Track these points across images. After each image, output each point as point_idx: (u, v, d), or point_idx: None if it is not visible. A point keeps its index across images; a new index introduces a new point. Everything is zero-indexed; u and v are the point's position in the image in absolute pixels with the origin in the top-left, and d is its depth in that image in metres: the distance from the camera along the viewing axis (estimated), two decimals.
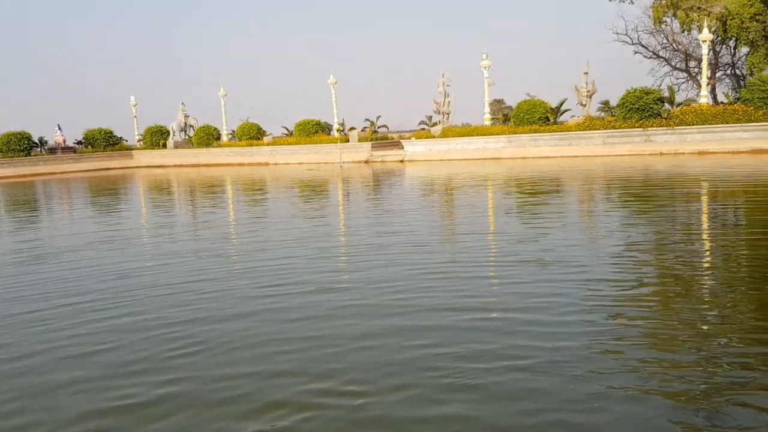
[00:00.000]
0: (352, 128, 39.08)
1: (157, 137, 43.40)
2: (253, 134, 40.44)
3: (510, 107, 40.05)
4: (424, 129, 37.31)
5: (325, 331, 5.15)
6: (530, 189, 16.29)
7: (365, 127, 39.52)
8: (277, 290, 6.42)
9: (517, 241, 8.73)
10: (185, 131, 42.84)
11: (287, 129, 41.53)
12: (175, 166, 39.61)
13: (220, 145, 40.53)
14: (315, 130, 38.44)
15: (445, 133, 33.34)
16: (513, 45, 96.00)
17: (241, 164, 37.30)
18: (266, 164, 36.12)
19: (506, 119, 35.16)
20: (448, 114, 35.26)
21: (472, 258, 7.71)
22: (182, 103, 42.59)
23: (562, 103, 32.11)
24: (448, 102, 35.22)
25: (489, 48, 45.70)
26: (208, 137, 41.34)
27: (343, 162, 33.62)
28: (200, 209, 15.52)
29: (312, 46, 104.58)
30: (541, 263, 7.24)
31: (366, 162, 33.20)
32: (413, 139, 34.38)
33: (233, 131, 42.48)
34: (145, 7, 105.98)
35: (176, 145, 41.94)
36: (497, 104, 49.45)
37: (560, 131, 29.78)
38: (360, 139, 35.96)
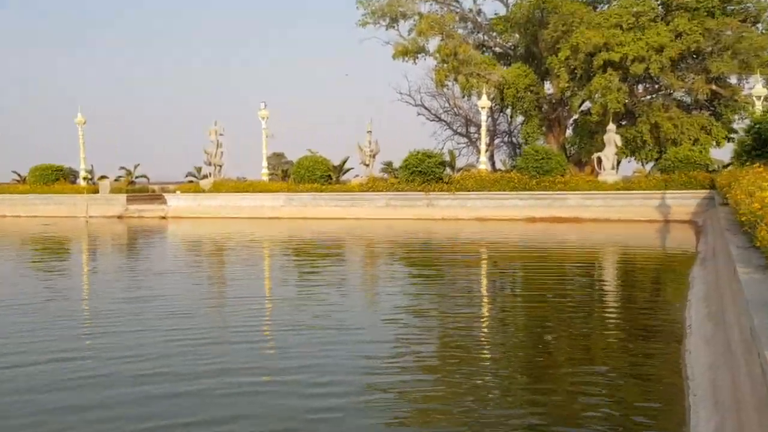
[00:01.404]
0: (103, 177, 36.53)
1: None
2: None
3: (291, 162, 41.30)
4: (192, 181, 36.74)
5: (51, 404, 4.94)
6: (308, 251, 17.06)
7: (120, 177, 37.30)
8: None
9: (289, 305, 9.15)
10: None
11: (19, 175, 38.03)
12: None
13: None
14: (56, 177, 35.09)
15: (217, 187, 33.12)
16: (295, 96, 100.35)
17: None
18: None
19: (286, 175, 36.16)
20: (220, 166, 35.06)
21: (239, 323, 7.84)
22: None
23: (344, 162, 34.18)
24: (221, 153, 35.10)
25: (269, 98, 47.19)
26: None
27: (90, 216, 31.05)
28: None
29: (54, 77, 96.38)
30: (314, 328, 7.70)
31: (120, 217, 31.57)
32: (178, 192, 33.65)
33: None
34: None
35: None
36: (277, 158, 50.68)
37: (343, 191, 31.53)
38: (113, 190, 33.91)
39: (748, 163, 14.96)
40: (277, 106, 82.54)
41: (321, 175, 32.52)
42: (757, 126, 16.65)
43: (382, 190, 30.76)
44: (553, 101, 38.44)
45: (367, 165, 33.25)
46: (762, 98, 30.11)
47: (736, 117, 34.65)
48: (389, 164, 33.36)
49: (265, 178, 35.48)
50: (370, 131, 33.61)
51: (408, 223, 27.40)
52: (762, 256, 6.14)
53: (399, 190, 30.44)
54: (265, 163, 36.20)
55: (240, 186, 33.39)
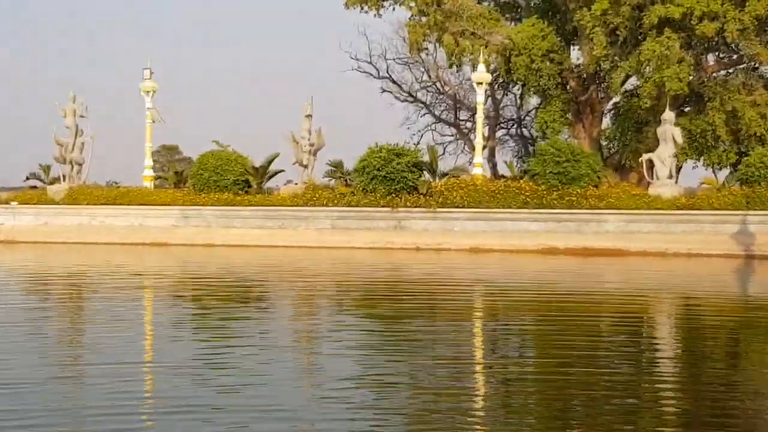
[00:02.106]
0: None
1: None
2: None
3: (189, 160, 41.10)
4: (35, 188, 36.12)
5: None
6: (213, 295, 16.90)
7: None
8: None
9: (180, 375, 9.12)
10: None
11: None
12: None
13: None
14: None
15: (75, 197, 32.62)
16: (197, 63, 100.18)
17: None
18: None
19: (181, 181, 35.75)
20: (80, 165, 34.50)
21: (98, 403, 7.75)
22: None
23: (271, 160, 34.05)
24: (82, 144, 34.54)
25: (158, 65, 46.40)
26: None
27: None
28: None
29: None
30: (218, 409, 7.67)
31: None
32: (14, 204, 33.15)
33: None
34: None
35: None
36: (168, 154, 50.40)
37: (268, 205, 31.42)
38: None
39: None
40: (169, 76, 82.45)
41: (235, 180, 32.31)
42: None
43: (326, 205, 30.74)
44: (584, 76, 39.08)
45: (305, 166, 33.18)
46: None
47: None
48: (338, 165, 33.35)
49: (149, 184, 35.17)
50: (310, 115, 33.63)
51: (365, 255, 27.36)
52: None
53: (353, 205, 30.44)
54: (149, 162, 35.85)
55: (111, 195, 33.02)
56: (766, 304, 16.27)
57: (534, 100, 43.39)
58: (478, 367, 10.39)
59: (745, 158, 30.81)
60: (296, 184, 33.69)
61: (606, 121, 41.40)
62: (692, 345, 12.22)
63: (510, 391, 9.03)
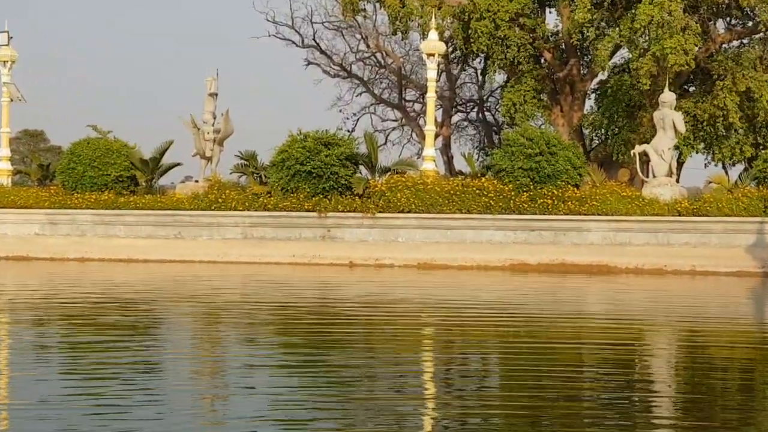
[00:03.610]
0: None
1: None
2: None
3: (58, 150, 40.50)
4: None
5: None
6: (91, 319, 16.77)
7: None
8: None
9: (41, 410, 9.17)
10: None
11: None
12: None
13: None
14: None
15: None
16: (69, 27, 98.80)
17: None
18: None
19: (47, 176, 35.24)
20: None
21: None
22: None
23: (164, 151, 33.89)
24: None
25: (18, 29, 45.41)
26: None
27: None
28: None
29: None
30: None
31: None
32: None
33: None
34: None
35: None
36: (31, 142, 49.62)
37: (161, 208, 31.19)
38: None
39: None
40: (32, 42, 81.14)
41: (118, 176, 32.03)
42: None
43: (236, 208, 30.60)
44: (563, 47, 39.35)
45: (209, 158, 33.03)
46: None
47: None
48: (250, 158, 33.19)
49: (5, 180, 34.64)
50: (215, 94, 33.51)
51: (285, 272, 27.28)
52: None
53: (269, 209, 30.36)
54: (5, 152, 35.28)
55: None
56: None
57: (500, 77, 43.66)
58: (429, 405, 10.50)
59: (763, 151, 31.28)
60: (197, 181, 33.55)
61: (590, 104, 41.80)
62: (696, 384, 12.32)
63: None
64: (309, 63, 47.03)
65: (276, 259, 29.17)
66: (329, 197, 30.06)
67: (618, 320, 18.52)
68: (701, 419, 10.00)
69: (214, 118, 33.11)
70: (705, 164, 39.55)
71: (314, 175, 29.97)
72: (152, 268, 28.13)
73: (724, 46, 37.59)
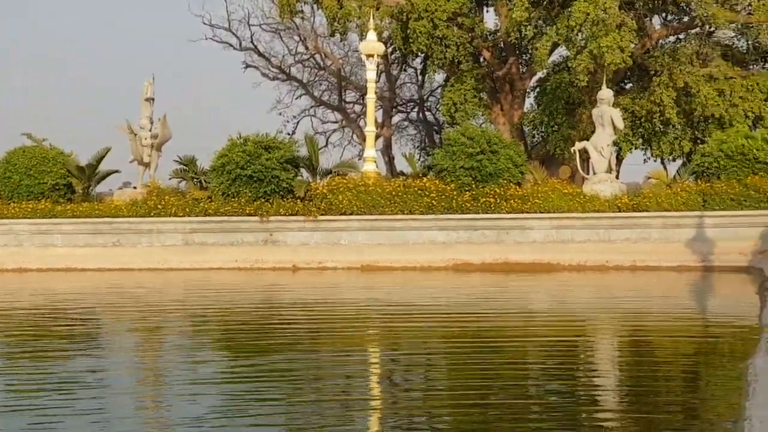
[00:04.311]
0: None
1: None
2: None
3: None
4: None
5: None
6: (28, 329, 16.81)
7: None
8: None
9: None
10: None
11: None
12: None
13: None
14: None
15: None
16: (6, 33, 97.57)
17: None
18: None
19: None
20: None
21: None
22: None
23: (101, 158, 33.61)
24: None
25: None
26: None
27: None
28: None
29: None
30: None
31: None
32: None
33: None
34: None
35: None
36: None
37: (99, 216, 30.90)
38: None
39: None
40: None
41: (54, 184, 31.79)
42: None
43: (176, 214, 30.49)
44: (502, 46, 39.62)
45: (147, 164, 32.90)
46: None
47: None
48: (190, 163, 33.06)
49: None
50: (152, 99, 33.38)
51: (227, 277, 27.30)
52: None
53: (210, 214, 30.27)
54: None
55: None
56: (726, 328, 16.72)
57: (439, 77, 43.92)
58: (376, 405, 10.62)
59: (701, 146, 31.70)
60: (135, 187, 33.31)
61: (530, 102, 42.15)
62: (634, 377, 12.51)
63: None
64: (247, 66, 47.00)
65: (218, 265, 29.08)
66: (271, 201, 30.01)
67: (562, 317, 18.75)
68: (646, 412, 10.20)
69: (151, 123, 32.97)
70: (644, 160, 40.12)
71: (255, 179, 29.91)
72: (91, 277, 27.87)
73: (660, 42, 38.13)
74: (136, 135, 32.66)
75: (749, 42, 36.92)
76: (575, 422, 9.80)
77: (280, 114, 49.40)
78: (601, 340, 16.36)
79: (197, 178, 32.69)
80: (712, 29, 36.61)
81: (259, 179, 29.84)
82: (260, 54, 46.62)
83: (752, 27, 34.65)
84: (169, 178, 33.46)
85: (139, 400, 10.96)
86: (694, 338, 15.58)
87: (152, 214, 30.48)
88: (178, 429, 9.26)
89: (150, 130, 32.73)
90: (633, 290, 23.80)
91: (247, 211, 29.82)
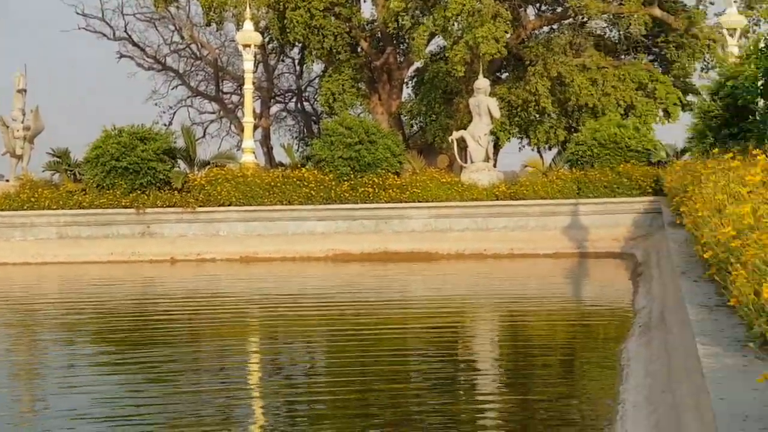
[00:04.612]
0: None
1: None
2: None
3: None
4: None
5: None
6: None
7: None
8: None
9: None
10: None
11: None
12: None
13: None
14: None
15: None
16: None
17: None
18: None
19: None
20: None
21: None
22: None
23: None
24: None
25: None
26: None
27: None
28: None
29: None
30: None
31: None
32: None
33: None
34: None
35: None
36: None
37: None
38: None
39: (715, 150, 16.24)
40: None
41: None
42: (730, 85, 18.13)
43: (49, 207, 30.00)
44: (379, 36, 39.72)
45: (19, 157, 32.37)
46: (737, 33, 32.74)
47: (697, 66, 38.00)
48: (63, 155, 32.46)
49: None
50: (24, 90, 32.85)
51: (103, 270, 27.03)
52: (740, 323, 6.54)
53: (85, 207, 29.83)
54: None
55: None
56: (601, 313, 17.11)
57: (317, 67, 43.87)
58: (256, 394, 10.76)
59: (575, 135, 32.26)
60: (7, 180, 32.71)
61: (408, 92, 42.40)
62: (511, 364, 12.75)
63: (296, 420, 9.42)
64: (122, 56, 46.31)
65: (94, 258, 28.65)
66: (147, 193, 29.68)
67: (441, 304, 18.98)
68: (524, 393, 10.43)
69: (24, 114, 32.34)
70: (519, 148, 40.70)
71: (131, 170, 29.55)
72: None
73: (535, 32, 38.67)
74: (8, 127, 32.03)
75: (621, 32, 37.64)
76: (455, 405, 9.99)
77: (156, 105, 48.89)
78: (480, 326, 16.68)
79: (71, 171, 32.09)
80: (585, 20, 37.29)
81: (135, 171, 29.49)
82: (135, 44, 46.01)
83: (623, 17, 35.28)
84: (43, 171, 32.80)
85: (13, 395, 10.92)
86: (569, 323, 15.94)
87: (25, 207, 29.88)
88: (54, 423, 9.18)
89: (22, 122, 32.15)
90: (510, 278, 24.21)
91: (123, 204, 29.44)
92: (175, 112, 47.90)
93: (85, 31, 45.79)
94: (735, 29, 32.26)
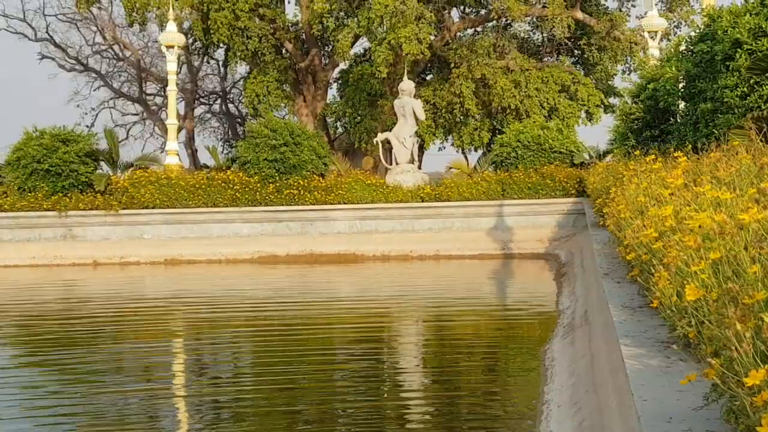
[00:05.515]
0: None
1: None
2: None
3: None
4: None
5: None
6: None
7: None
8: None
9: None
10: None
11: None
12: None
13: None
14: None
15: None
16: None
17: None
18: None
19: None
20: None
21: None
22: None
23: None
24: None
25: None
26: None
27: None
28: None
29: None
30: None
31: None
32: None
33: None
34: None
35: None
36: None
37: None
38: None
39: (637, 152, 16.48)
40: None
41: None
42: (651, 87, 18.45)
43: None
44: (303, 38, 39.67)
45: None
46: (659, 35, 33.14)
47: (619, 68, 38.55)
48: None
49: None
50: None
51: (23, 275, 26.89)
52: (663, 324, 6.60)
53: (5, 209, 29.46)
54: None
55: None
56: (525, 314, 17.28)
57: (242, 69, 43.73)
58: (181, 393, 10.82)
59: (499, 136, 32.47)
60: None
61: (332, 94, 42.43)
62: (443, 360, 12.83)
63: (221, 418, 9.53)
64: (43, 57, 45.83)
65: (15, 262, 28.28)
66: (69, 195, 29.34)
67: (367, 305, 19.11)
68: (449, 391, 10.50)
69: None
70: (439, 148, 41.01)
71: (53, 173, 29.23)
72: None
73: (459, 34, 38.87)
74: None
75: (544, 35, 38.08)
76: (380, 403, 10.13)
77: (78, 106, 48.50)
78: (405, 327, 16.81)
79: None
80: (509, 22, 37.64)
81: (56, 173, 29.17)
82: (56, 45, 45.58)
83: (547, 20, 35.62)
84: None
85: None
86: (494, 323, 16.10)
87: None
88: None
89: None
90: (435, 278, 24.38)
91: (45, 206, 29.06)
92: (97, 114, 47.68)
93: (6, 31, 45.33)
94: (656, 32, 32.65)
